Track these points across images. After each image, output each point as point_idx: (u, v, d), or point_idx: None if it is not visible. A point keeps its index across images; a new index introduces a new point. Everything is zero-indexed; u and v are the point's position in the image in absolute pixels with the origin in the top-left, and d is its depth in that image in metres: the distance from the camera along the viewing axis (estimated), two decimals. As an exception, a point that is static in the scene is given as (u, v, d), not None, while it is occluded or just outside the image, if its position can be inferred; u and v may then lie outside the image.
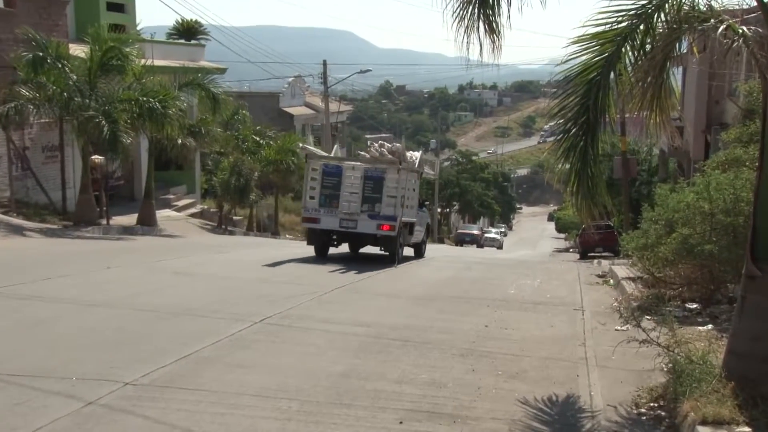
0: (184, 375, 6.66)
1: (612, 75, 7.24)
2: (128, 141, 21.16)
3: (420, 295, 12.45)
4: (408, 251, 19.71)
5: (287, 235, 34.55)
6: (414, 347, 8.25)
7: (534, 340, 9.04)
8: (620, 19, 6.96)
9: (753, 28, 6.30)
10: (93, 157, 21.46)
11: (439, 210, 70.25)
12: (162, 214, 27.02)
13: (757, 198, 6.22)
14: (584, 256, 34.11)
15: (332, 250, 18.67)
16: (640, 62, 7.02)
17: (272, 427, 5.51)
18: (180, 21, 37.04)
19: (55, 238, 18.27)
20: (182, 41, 35.08)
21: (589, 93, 7.18)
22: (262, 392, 6.29)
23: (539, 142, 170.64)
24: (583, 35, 7.04)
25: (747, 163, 12.28)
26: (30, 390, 5.96)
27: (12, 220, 19.81)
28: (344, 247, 19.33)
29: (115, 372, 6.54)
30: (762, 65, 6.12)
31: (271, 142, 32.94)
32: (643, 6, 6.88)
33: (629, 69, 7.19)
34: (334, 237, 18.08)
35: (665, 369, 6.60)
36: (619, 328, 9.36)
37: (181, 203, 30.99)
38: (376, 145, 19.17)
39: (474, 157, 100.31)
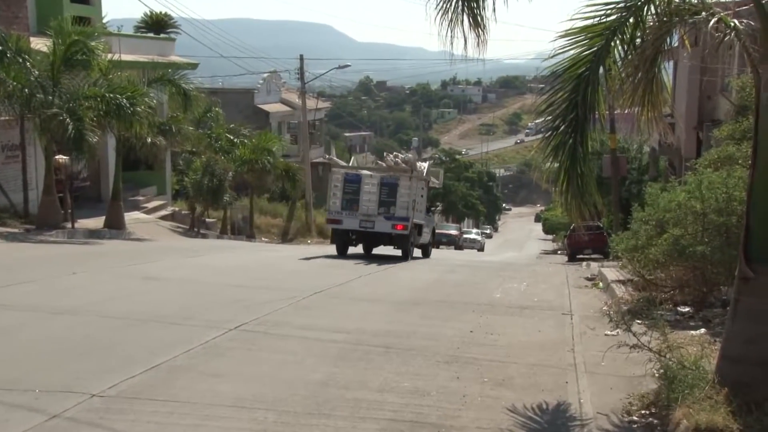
0: (154, 385, 6.62)
1: (601, 70, 7.28)
2: (94, 140, 21.03)
3: (402, 299, 12.46)
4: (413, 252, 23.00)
5: (263, 238, 34.48)
6: (396, 354, 8.26)
7: (521, 346, 9.07)
8: (609, 11, 7.00)
9: (745, 21, 6.37)
10: (57, 156, 21.31)
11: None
12: (131, 217, 26.85)
13: (750, 197, 6.28)
14: (573, 258, 34.27)
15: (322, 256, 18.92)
16: (630, 57, 7.07)
17: (248, 439, 5.49)
18: (149, 13, 36.82)
19: (17, 243, 18.11)
20: (151, 35, 34.90)
21: (577, 89, 7.21)
22: (237, 402, 6.27)
23: (516, 143, 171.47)
24: (571, 29, 7.08)
25: (740, 161, 12.41)
26: (-9, 402, 5.90)
27: (-29, 223, 19.62)
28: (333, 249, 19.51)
29: (82, 383, 6.49)
30: (754, 59, 6.18)
31: (246, 141, 32.86)
32: (633, -2, 6.94)
33: (619, 64, 7.24)
34: (353, 237, 22.00)
35: (657, 375, 6.65)
36: (609, 332, 9.41)
37: (150, 205, 30.83)
38: (391, 156, 23.68)
39: (458, 156, 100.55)
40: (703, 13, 6.36)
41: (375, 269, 17.39)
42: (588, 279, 17.18)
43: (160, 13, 36.89)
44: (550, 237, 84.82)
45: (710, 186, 10.84)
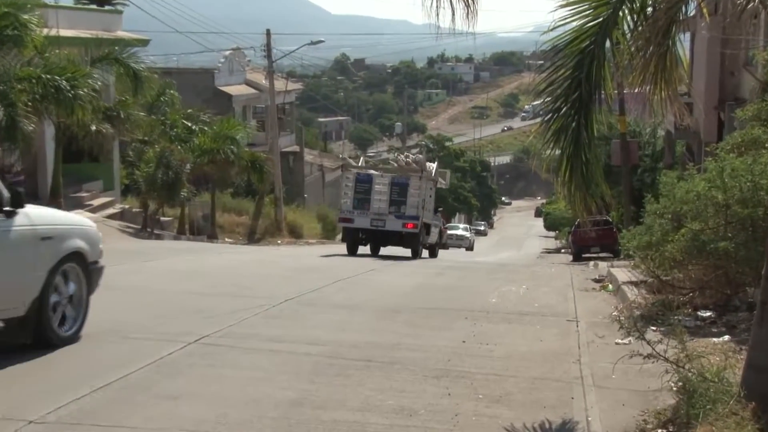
0: (100, 409, 6.58)
1: (608, 43, 7.30)
2: (29, 128, 20.87)
3: (384, 306, 12.48)
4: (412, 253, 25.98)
5: (227, 239, 34.40)
6: (379, 368, 8.26)
7: (520, 358, 9.10)
8: (616, -24, 7.03)
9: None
10: (-13, 148, 21.16)
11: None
12: (74, 216, 26.61)
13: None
14: (578, 257, 34.46)
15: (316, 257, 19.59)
16: (640, 28, 7.09)
17: (210, 469, 5.47)
18: (92, -18, 36.60)
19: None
20: (94, 7, 34.71)
21: (581, 65, 7.24)
22: (197, 427, 6.24)
23: (504, 130, 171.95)
24: (573, -4, 7.11)
25: (767, 145, 12.47)
26: None
27: None
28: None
29: (17, 408, 6.44)
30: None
31: (206, 128, 32.75)
32: (643, -39, 6.97)
33: (628, 36, 7.26)
34: (363, 236, 25.51)
35: (674, 388, 6.68)
36: (619, 341, 9.45)
37: (96, 202, 30.62)
38: (402, 156, 28.84)
39: (447, 143, 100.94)
40: (723, -23, 6.41)
41: (353, 272, 17.41)
42: (596, 281, 17.26)
43: (105, -18, 36.72)
44: (552, 234, 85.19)
45: (733, 174, 10.88)
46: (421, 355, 8.95)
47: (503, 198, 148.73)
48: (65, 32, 26.05)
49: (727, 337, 9.47)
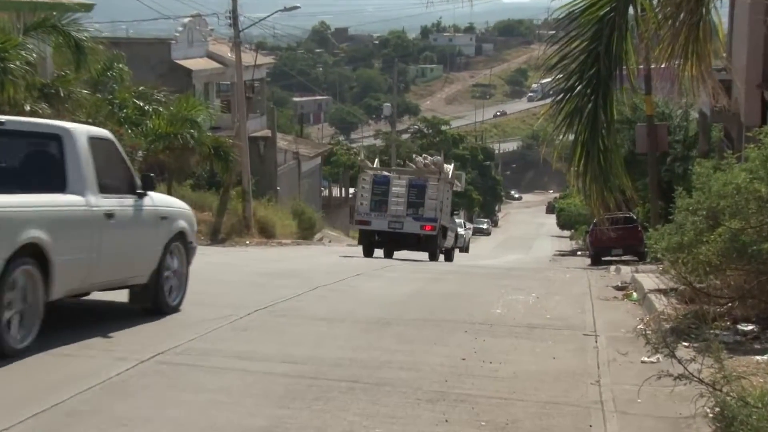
0: (38, 438, 6.58)
1: (631, 10, 7.33)
2: (-48, 108, 20.78)
3: (372, 317, 12.49)
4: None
5: (185, 239, 34.28)
6: (364, 391, 8.27)
7: (529, 378, 9.13)
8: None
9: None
10: None
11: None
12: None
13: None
14: (597, 260, 34.55)
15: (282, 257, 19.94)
16: (669, -8, 7.12)
17: None
18: (26, -63, 36.41)
19: None
20: (30, -34, 34.54)
21: (599, 36, 7.27)
22: (151, 459, 6.24)
23: (496, 115, 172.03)
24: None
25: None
26: None
27: None
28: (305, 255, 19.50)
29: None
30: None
31: (161, 109, 32.62)
32: None
33: (654, 2, 7.28)
34: (378, 238, 29.00)
35: (710, 415, 6.70)
36: (646, 359, 9.49)
37: (32, 196, 30.58)
38: (420, 158, 32.18)
39: (444, 127, 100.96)
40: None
41: (336, 278, 17.42)
42: (618, 288, 17.29)
43: (42, -64, 36.51)
44: (566, 233, 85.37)
45: (779, 163, 10.93)
46: (414, 375, 8.97)
47: (512, 192, 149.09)
48: (-7, -5, 25.93)
49: (771, 355, 9.51)
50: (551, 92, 8.12)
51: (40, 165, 10.47)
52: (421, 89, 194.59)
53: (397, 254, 29.89)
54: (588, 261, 38.04)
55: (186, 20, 51.02)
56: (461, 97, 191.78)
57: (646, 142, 30.55)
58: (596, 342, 11.30)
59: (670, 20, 7.02)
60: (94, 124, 29.96)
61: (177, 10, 50.40)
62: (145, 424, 7.01)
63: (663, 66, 8.24)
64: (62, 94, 25.61)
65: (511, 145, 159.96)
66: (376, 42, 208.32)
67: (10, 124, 10.64)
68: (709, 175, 12.30)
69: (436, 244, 29.18)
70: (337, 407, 7.70)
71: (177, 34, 49.82)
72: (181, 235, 12.14)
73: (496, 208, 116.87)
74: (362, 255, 28.76)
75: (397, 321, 12.30)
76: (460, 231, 61.53)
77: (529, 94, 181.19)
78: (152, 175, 11.99)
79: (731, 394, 6.54)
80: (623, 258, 32.48)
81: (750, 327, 10.89)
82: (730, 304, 11.58)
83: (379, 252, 30.36)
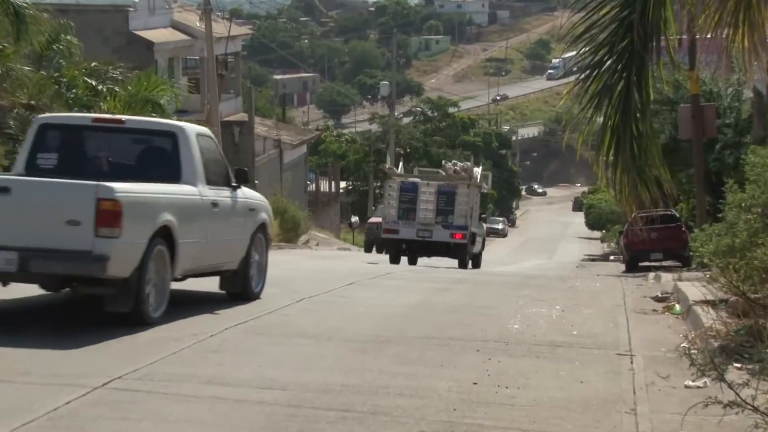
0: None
1: (671, -31, 7.32)
2: None
3: (367, 334, 12.47)
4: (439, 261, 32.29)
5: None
6: (358, 421, 8.26)
7: (553, 406, 9.11)
8: None
9: None
10: None
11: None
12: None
13: None
14: (633, 266, 34.61)
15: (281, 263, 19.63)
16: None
17: None
18: None
19: None
20: None
21: (633, 0, 7.25)
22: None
23: (496, 99, 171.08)
24: None
25: None
26: None
27: None
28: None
29: None
30: None
31: (118, 89, 32.60)
32: None
33: (699, -41, 7.28)
34: (405, 246, 32.50)
35: (766, 448, 6.68)
36: (690, 383, 9.48)
37: (-35, 192, 30.54)
38: (450, 164, 35.84)
39: (452, 109, 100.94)
40: None
41: (324, 287, 17.39)
42: (657, 299, 17.29)
43: None
44: (597, 234, 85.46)
45: None
46: (416, 403, 8.94)
47: (535, 186, 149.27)
48: None
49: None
50: (575, 68, 8.11)
51: (157, 159, 13.71)
52: (425, 65, 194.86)
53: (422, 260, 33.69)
54: (622, 267, 38.08)
55: (146, -16, 51.03)
56: (472, 73, 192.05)
57: (691, 126, 30.46)
58: (632, 363, 11.27)
59: (718, -18, 7.01)
60: (36, 105, 30.06)
61: (136, -29, 50.39)
62: (98, 462, 6.99)
63: (708, 36, 8.21)
64: (0, 71, 25.64)
65: (531, 131, 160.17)
66: (372, 9, 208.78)
67: (130, 122, 14.61)
68: (765, 165, 12.29)
69: (465, 252, 32.49)
70: (325, 441, 7.70)
71: (136, 0, 49.78)
72: (263, 227, 15.40)
73: (514, 204, 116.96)
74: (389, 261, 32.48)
75: (396, 339, 12.27)
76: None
77: (549, 71, 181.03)
78: (245, 169, 15.29)
79: (791, 424, 6.53)
80: (664, 263, 32.56)
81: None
82: (790, 318, 11.58)
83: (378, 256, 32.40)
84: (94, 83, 32.12)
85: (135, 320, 12.01)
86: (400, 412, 8.60)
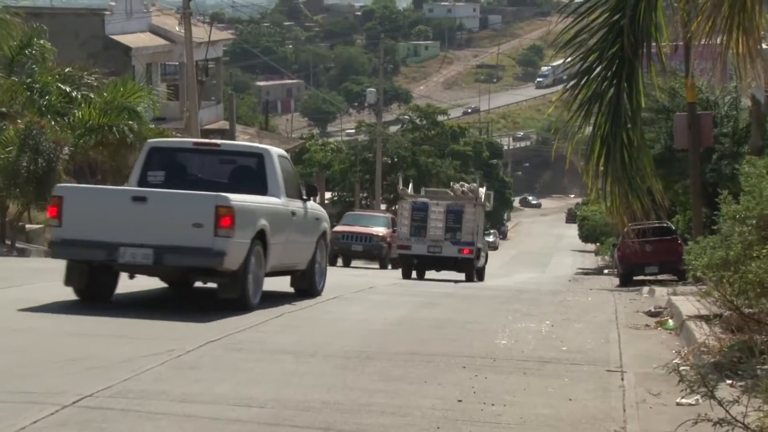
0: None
1: (662, -27, 7.34)
2: None
3: (350, 350, 12.48)
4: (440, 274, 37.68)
5: (122, 255, 34.16)
6: (339, 441, 8.27)
7: (540, 424, 9.11)
8: None
9: None
10: None
11: (383, 206, 70.58)
12: None
13: None
14: (627, 280, 34.66)
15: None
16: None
17: None
18: None
19: None
20: None
21: (622, 5, 7.26)
22: None
23: (467, 112, 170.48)
24: None
25: None
26: None
27: None
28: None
29: None
30: None
31: (93, 95, 32.59)
32: None
33: (691, -38, 7.30)
34: (416, 261, 37.28)
35: (758, 467, 6.69)
36: (683, 401, 9.48)
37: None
38: (458, 185, 40.76)
39: (441, 117, 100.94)
40: None
41: (305, 302, 17.40)
42: (651, 314, 17.36)
43: None
44: (591, 247, 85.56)
45: None
46: (399, 421, 8.94)
47: (529, 198, 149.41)
48: None
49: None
50: (565, 77, 8.13)
51: (247, 175, 17.01)
52: (414, 71, 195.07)
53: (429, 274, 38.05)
54: (616, 281, 38.13)
55: (123, -13, 51.03)
56: (462, 80, 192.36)
57: (687, 135, 30.44)
58: (622, 380, 11.29)
59: (710, -15, 7.04)
60: (8, 113, 30.01)
61: (113, -26, 50.34)
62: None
63: (701, 42, 8.23)
64: (-32, 78, 25.61)
65: (523, 140, 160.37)
66: (359, 13, 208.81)
67: (224, 146, 18.69)
68: (761, 176, 12.33)
69: (472, 266, 37.19)
70: (304, 461, 7.70)
71: (113, 4, 49.77)
72: (324, 234, 18.89)
73: (505, 216, 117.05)
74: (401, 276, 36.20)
75: (379, 355, 12.27)
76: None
77: (538, 79, 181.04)
78: (315, 185, 20.18)
79: (784, 443, 6.54)
80: (659, 277, 32.59)
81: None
82: (786, 334, 11.60)
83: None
84: (68, 89, 32.14)
85: (241, 305, 15.39)
86: (382, 431, 8.60)
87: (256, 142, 60.89)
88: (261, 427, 8.55)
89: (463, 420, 9.13)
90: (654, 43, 7.87)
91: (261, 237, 15.73)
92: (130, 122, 31.84)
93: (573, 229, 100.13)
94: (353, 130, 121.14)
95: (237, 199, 15.21)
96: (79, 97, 32.27)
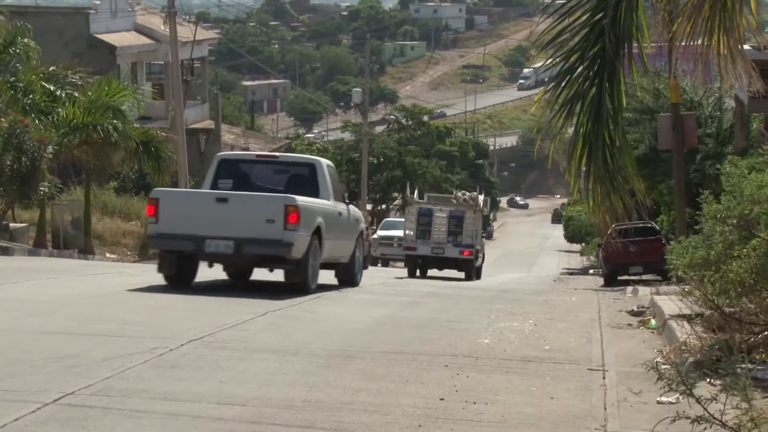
0: None
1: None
2: None
3: (332, 349, 12.49)
4: (445, 272, 41.65)
5: (108, 254, 34.18)
6: (320, 439, 8.28)
7: (521, 422, 9.13)
8: None
9: None
10: None
11: (369, 207, 70.57)
12: None
13: None
14: (612, 280, 34.73)
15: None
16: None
17: None
18: None
19: None
20: None
21: (603, 5, 7.29)
22: None
23: (433, 116, 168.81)
24: None
25: None
26: None
27: None
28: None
29: None
30: None
31: (77, 94, 32.52)
32: None
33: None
34: (420, 261, 41.23)
35: (736, 465, 6.72)
36: (664, 399, 9.52)
37: None
38: (460, 193, 45.95)
39: (427, 118, 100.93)
40: None
41: (290, 301, 17.41)
42: (633, 314, 17.40)
43: None
44: (577, 247, 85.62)
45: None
46: (380, 419, 8.96)
47: (517, 198, 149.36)
48: None
49: (814, 394, 9.54)
50: (546, 79, 8.15)
51: (301, 181, 20.12)
52: (400, 71, 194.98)
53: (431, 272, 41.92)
54: (601, 281, 38.18)
55: (109, -15, 50.94)
56: (448, 80, 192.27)
57: (671, 135, 30.45)
58: (604, 379, 11.32)
59: (691, -15, 7.07)
60: (-9, 112, 29.91)
61: (98, -27, 50.24)
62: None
63: (683, 43, 8.25)
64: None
65: (509, 140, 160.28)
66: (345, 13, 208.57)
67: (282, 157, 23.48)
68: (742, 176, 12.35)
69: (472, 265, 41.03)
70: (284, 459, 7.71)
71: (98, 2, 49.69)
72: (362, 233, 22.77)
73: (491, 216, 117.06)
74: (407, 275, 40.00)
75: (362, 354, 12.28)
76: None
77: (520, 80, 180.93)
78: (357, 191, 26.20)
79: (761, 440, 6.57)
80: (643, 277, 32.65)
81: (791, 360, 10.95)
82: (766, 333, 11.63)
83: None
84: (52, 88, 32.06)
85: (304, 289, 18.59)
86: (363, 429, 8.61)
87: (241, 141, 61.35)
88: (242, 425, 8.55)
89: (444, 418, 9.14)
90: (636, 44, 7.88)
91: (317, 232, 18.87)
92: (115, 121, 31.78)
93: (559, 230, 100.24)
94: (339, 130, 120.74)
95: (301, 200, 18.33)
96: (64, 96, 32.19)
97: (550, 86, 8.20)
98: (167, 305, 16.35)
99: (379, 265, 50.98)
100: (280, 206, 17.99)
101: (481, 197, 44.85)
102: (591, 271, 54.92)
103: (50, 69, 32.96)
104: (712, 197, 12.72)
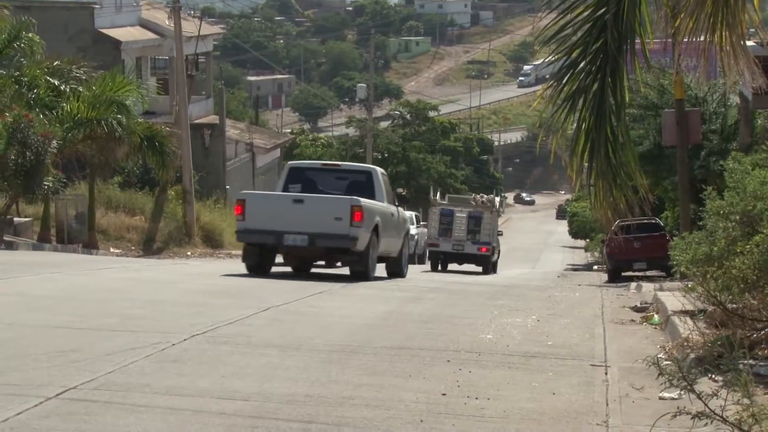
0: None
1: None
2: None
3: (334, 344, 12.49)
4: (457, 267, 45.64)
5: (112, 249, 34.18)
6: (321, 434, 8.26)
7: (523, 418, 9.13)
8: None
9: None
10: None
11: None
12: None
13: None
14: (616, 276, 34.71)
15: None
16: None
17: None
18: None
19: None
20: None
21: (606, 1, 7.28)
22: None
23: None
24: None
25: None
26: None
27: None
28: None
29: None
30: None
31: (81, 89, 32.51)
32: None
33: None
34: (442, 256, 45.49)
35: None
36: (666, 395, 9.50)
37: None
38: (478, 196, 49.83)
39: (432, 113, 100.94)
40: None
41: (292, 296, 17.42)
42: (636, 309, 17.40)
43: None
44: (581, 243, 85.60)
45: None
46: (382, 414, 8.95)
47: (523, 194, 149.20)
48: None
49: (816, 390, 9.53)
50: (547, 75, 8.15)
51: (360, 186, 23.41)
52: (405, 67, 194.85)
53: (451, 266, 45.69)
54: (605, 277, 38.17)
55: (114, -20, 50.90)
56: (453, 76, 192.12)
57: (675, 132, 30.40)
58: (606, 374, 11.32)
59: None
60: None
61: (103, -33, 50.20)
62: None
63: (685, 40, 8.23)
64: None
65: (513, 136, 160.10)
66: (350, 8, 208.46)
67: (344, 166, 27.11)
68: (745, 172, 12.34)
69: (489, 261, 45.48)
70: (285, 454, 7.71)
71: (102, -2, 49.66)
72: (408, 232, 26.61)
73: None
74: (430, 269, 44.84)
75: (364, 349, 12.28)
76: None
77: (520, 78, 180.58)
78: (405, 195, 29.89)
79: (761, 436, 6.56)
80: (647, 273, 32.60)
81: (792, 356, 10.93)
82: (768, 329, 11.62)
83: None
84: (56, 83, 32.05)
85: (365, 277, 22.17)
86: (365, 424, 8.60)
87: (246, 137, 61.29)
88: (244, 419, 8.55)
89: (446, 413, 9.14)
90: (638, 40, 7.87)
91: (375, 229, 22.29)
92: (119, 116, 31.75)
93: (563, 226, 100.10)
94: (344, 126, 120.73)
95: (364, 201, 21.69)
96: (68, 90, 32.17)
97: (553, 81, 8.17)
98: (170, 301, 16.36)
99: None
100: (347, 206, 21.25)
101: (497, 199, 50.49)
102: (595, 267, 54.99)
103: (55, 64, 32.95)
104: (716, 193, 12.72)
